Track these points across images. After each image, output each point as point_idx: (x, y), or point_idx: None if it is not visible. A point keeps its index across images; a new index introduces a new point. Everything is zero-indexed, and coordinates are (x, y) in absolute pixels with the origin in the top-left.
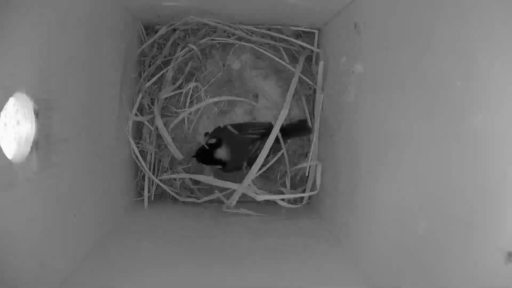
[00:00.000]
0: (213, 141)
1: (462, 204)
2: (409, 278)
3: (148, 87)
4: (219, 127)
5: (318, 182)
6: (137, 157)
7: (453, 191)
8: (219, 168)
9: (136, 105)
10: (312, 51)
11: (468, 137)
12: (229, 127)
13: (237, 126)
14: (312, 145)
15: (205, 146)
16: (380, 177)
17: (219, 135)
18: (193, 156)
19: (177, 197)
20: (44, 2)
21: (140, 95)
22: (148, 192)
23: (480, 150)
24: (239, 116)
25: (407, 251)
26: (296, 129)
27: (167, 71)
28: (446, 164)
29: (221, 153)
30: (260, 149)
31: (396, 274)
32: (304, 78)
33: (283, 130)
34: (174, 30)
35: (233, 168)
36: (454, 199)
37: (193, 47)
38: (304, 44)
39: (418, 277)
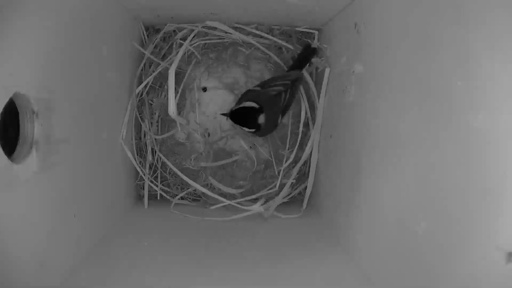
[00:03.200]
0: (253, 105)
1: (462, 204)
2: (409, 278)
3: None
4: (246, 92)
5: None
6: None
7: (453, 191)
8: (253, 132)
9: (134, 106)
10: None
11: (468, 137)
12: (253, 88)
13: (260, 85)
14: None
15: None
16: (380, 177)
17: (254, 99)
18: (226, 115)
19: (170, 198)
20: (44, 2)
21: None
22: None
23: (480, 150)
24: None
25: (407, 251)
26: (306, 55)
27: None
28: (446, 164)
29: (262, 118)
30: (286, 99)
31: (396, 274)
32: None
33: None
34: (174, 31)
35: (268, 131)
36: (454, 199)
37: (192, 49)
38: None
39: (418, 277)
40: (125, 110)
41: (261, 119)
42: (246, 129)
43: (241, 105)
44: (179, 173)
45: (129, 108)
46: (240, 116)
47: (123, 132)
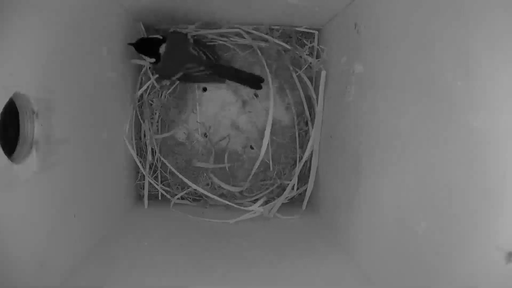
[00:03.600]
0: (157, 35)
1: (462, 204)
2: (409, 278)
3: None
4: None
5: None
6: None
7: (453, 191)
8: (151, 63)
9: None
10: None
11: (468, 137)
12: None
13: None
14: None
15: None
16: (380, 177)
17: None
18: (131, 44)
19: (171, 198)
20: (44, 2)
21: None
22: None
23: (480, 150)
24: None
25: (407, 251)
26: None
27: None
28: (446, 164)
29: (163, 48)
30: (200, 74)
31: (396, 274)
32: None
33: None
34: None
35: (171, 69)
36: (454, 199)
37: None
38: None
39: (418, 277)
40: (125, 110)
41: (162, 49)
42: (148, 59)
43: (147, 37)
44: (178, 174)
45: (129, 108)
46: (145, 46)
47: (125, 128)
